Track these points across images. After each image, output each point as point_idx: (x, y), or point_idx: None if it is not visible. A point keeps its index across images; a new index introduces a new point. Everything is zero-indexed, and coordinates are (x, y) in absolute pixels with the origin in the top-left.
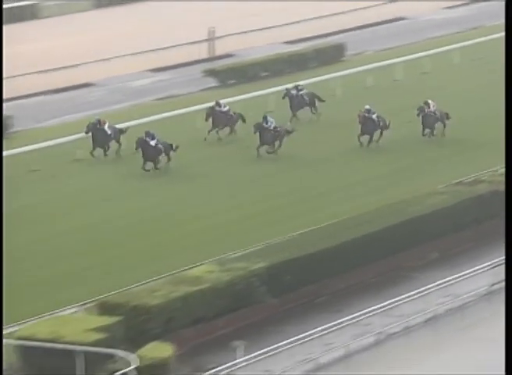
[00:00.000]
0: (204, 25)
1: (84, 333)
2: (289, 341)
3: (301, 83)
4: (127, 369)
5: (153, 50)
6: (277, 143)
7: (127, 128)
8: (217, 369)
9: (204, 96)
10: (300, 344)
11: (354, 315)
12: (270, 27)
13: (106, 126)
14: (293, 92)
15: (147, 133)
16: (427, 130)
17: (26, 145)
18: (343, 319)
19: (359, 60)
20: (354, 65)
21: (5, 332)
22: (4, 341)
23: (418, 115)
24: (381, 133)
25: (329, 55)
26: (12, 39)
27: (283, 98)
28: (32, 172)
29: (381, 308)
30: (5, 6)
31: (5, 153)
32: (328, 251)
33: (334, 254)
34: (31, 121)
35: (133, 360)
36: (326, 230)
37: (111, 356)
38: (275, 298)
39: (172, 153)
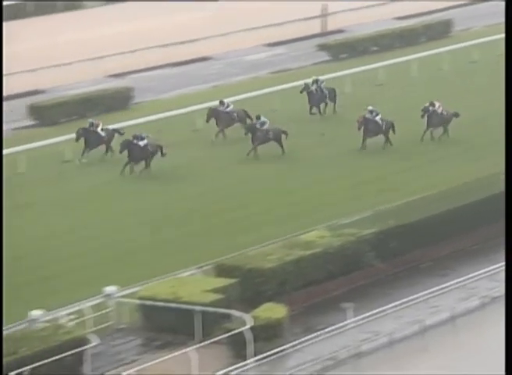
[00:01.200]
0: (317, 2)
1: (202, 294)
2: (396, 303)
3: (411, 57)
4: (242, 329)
5: (268, 25)
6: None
7: (123, 129)
8: (327, 329)
9: (316, 70)
10: (407, 306)
11: (460, 279)
12: (380, 4)
13: (99, 129)
14: (313, 87)
15: (135, 136)
16: (430, 129)
17: (147, 116)
18: (449, 283)
19: (466, 36)
20: (461, 40)
21: (128, 292)
22: (127, 300)
23: (423, 116)
24: (386, 138)
25: (437, 30)
26: (123, 17)
27: (301, 92)
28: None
29: (485, 273)
30: None
31: (124, 124)
32: (433, 218)
33: (439, 221)
34: (153, 93)
35: (248, 320)
36: (431, 199)
37: (227, 316)
38: (383, 263)
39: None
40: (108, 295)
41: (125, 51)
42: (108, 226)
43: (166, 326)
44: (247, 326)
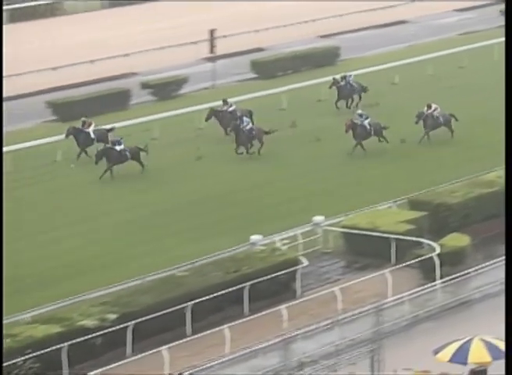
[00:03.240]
0: None
1: (397, 224)
2: None
3: None
4: (431, 255)
5: None
6: (255, 142)
7: (113, 128)
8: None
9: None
10: None
11: None
12: None
13: (91, 129)
14: (342, 83)
15: (113, 141)
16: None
17: (352, 71)
18: None
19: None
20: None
21: (333, 221)
22: (332, 228)
23: (417, 122)
24: (380, 139)
25: None
26: None
27: (330, 87)
28: None
29: None
30: None
31: (330, 78)
32: None
33: None
34: (357, 51)
35: (436, 247)
36: None
37: (418, 244)
38: None
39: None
40: (317, 224)
41: (335, 15)
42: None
43: (365, 251)
44: (436, 253)
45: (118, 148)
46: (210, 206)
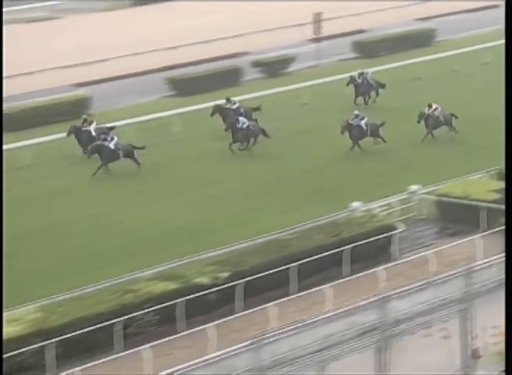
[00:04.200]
0: None
1: (487, 193)
2: None
3: None
4: None
5: None
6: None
7: (115, 126)
8: None
9: None
10: None
11: None
12: None
13: (92, 127)
14: (359, 80)
15: (104, 138)
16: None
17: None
18: None
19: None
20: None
21: (428, 190)
22: (427, 196)
23: (419, 121)
24: (377, 139)
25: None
26: None
27: (347, 85)
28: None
29: None
30: None
31: (427, 58)
32: None
33: None
34: (450, 33)
35: None
36: None
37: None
38: None
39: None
40: (412, 192)
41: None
42: None
43: (457, 218)
44: None
45: (111, 145)
46: (316, 176)
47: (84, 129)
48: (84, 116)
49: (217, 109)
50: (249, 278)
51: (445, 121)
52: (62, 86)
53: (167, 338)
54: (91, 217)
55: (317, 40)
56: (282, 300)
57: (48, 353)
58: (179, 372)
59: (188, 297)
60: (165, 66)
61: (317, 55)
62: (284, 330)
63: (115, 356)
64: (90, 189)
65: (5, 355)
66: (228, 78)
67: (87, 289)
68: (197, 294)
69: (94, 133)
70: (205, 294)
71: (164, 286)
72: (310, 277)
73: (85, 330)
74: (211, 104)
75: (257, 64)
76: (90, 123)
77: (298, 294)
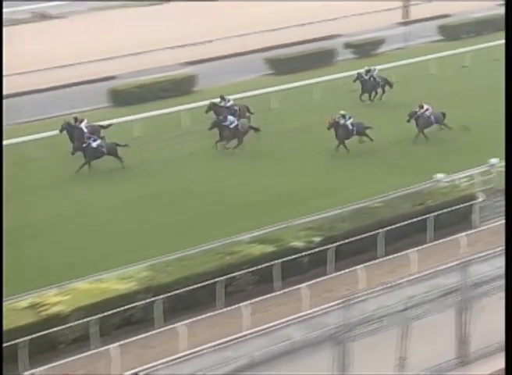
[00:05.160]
0: None
1: None
2: None
3: None
4: None
5: None
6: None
7: (109, 125)
8: None
9: None
10: None
11: None
12: None
13: (83, 124)
14: (366, 77)
15: (89, 137)
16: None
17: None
18: None
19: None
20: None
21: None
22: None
23: (408, 121)
24: (362, 139)
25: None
26: None
27: (354, 81)
28: None
29: None
30: None
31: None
32: None
33: None
34: None
35: None
36: None
37: None
38: None
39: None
40: (492, 165)
41: None
42: None
43: None
44: None
45: (94, 144)
46: (403, 149)
47: (76, 126)
48: (75, 116)
49: (212, 107)
50: (340, 243)
51: (436, 120)
52: (172, 65)
53: (264, 296)
54: (198, 185)
55: (405, 23)
56: (370, 263)
57: (156, 308)
58: None
59: (284, 259)
60: (265, 47)
61: (405, 38)
62: (371, 290)
63: (216, 312)
64: (193, 159)
65: (117, 310)
66: (322, 58)
67: (193, 250)
68: (292, 257)
69: (85, 130)
70: (299, 257)
71: (262, 249)
72: (396, 243)
73: (190, 287)
74: (307, 82)
75: (349, 46)
76: (81, 121)
77: (385, 258)
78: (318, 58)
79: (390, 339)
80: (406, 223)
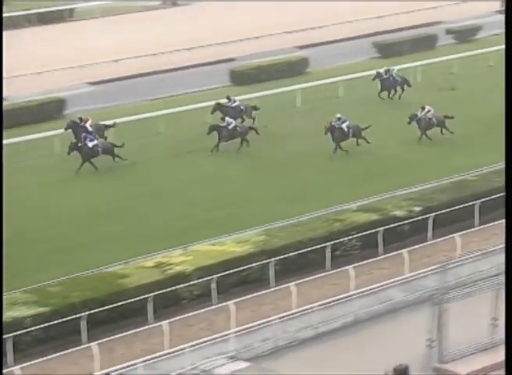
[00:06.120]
0: None
1: None
2: None
3: None
4: None
5: None
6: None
7: (114, 123)
8: None
9: None
10: None
11: None
12: None
13: (88, 124)
14: (385, 76)
15: (85, 137)
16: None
17: None
18: None
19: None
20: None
21: None
22: None
23: (409, 123)
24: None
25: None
26: None
27: (373, 79)
28: None
29: None
30: None
31: None
32: None
33: None
34: None
35: None
36: None
37: None
38: None
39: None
40: None
41: None
42: None
43: None
44: None
45: (90, 144)
46: (486, 128)
47: (81, 125)
48: (79, 116)
49: (217, 107)
50: (438, 212)
51: (437, 123)
52: (287, 48)
53: (368, 260)
54: (311, 156)
55: (503, 11)
56: (466, 231)
57: (270, 269)
58: None
59: (386, 226)
60: (373, 33)
61: (502, 25)
62: (467, 256)
63: (324, 274)
64: (309, 133)
65: (234, 270)
66: (425, 43)
67: (303, 217)
68: (394, 225)
69: (90, 129)
70: (401, 225)
71: (366, 217)
72: (490, 213)
73: (300, 251)
74: (411, 64)
75: (450, 31)
76: (86, 121)
77: (480, 227)
78: (422, 43)
79: (483, 302)
80: (500, 195)
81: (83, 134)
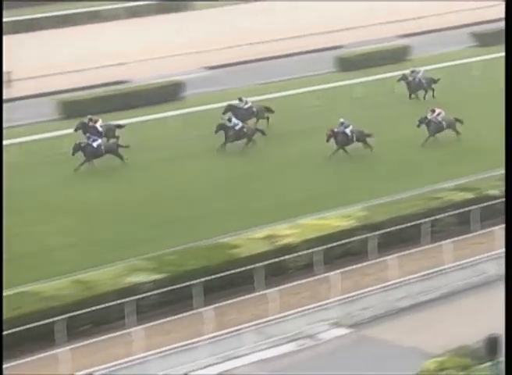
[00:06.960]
0: None
1: None
2: None
3: None
4: None
5: None
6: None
7: (124, 124)
8: None
9: None
10: None
11: None
12: None
13: (98, 124)
14: (410, 78)
15: (89, 137)
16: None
17: None
18: None
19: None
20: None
21: None
22: None
23: (418, 126)
24: (364, 145)
25: None
26: None
27: (399, 81)
28: None
29: None
30: None
31: None
32: None
33: None
34: None
35: None
36: None
37: None
38: None
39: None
40: None
41: None
42: None
43: None
44: None
45: (95, 144)
46: None
47: (91, 125)
48: (89, 116)
49: (229, 108)
50: None
51: (447, 125)
52: (391, 37)
53: (463, 236)
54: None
55: None
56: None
57: (371, 243)
58: None
59: (481, 205)
60: (471, 23)
61: None
62: None
63: (422, 248)
64: (404, 119)
65: (336, 243)
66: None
67: (403, 195)
68: (488, 203)
69: (100, 130)
70: (495, 204)
71: (462, 195)
72: None
73: (400, 226)
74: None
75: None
76: (96, 122)
77: None
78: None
79: None
80: None
81: (87, 135)
